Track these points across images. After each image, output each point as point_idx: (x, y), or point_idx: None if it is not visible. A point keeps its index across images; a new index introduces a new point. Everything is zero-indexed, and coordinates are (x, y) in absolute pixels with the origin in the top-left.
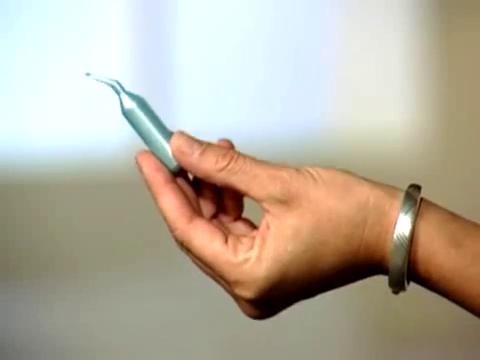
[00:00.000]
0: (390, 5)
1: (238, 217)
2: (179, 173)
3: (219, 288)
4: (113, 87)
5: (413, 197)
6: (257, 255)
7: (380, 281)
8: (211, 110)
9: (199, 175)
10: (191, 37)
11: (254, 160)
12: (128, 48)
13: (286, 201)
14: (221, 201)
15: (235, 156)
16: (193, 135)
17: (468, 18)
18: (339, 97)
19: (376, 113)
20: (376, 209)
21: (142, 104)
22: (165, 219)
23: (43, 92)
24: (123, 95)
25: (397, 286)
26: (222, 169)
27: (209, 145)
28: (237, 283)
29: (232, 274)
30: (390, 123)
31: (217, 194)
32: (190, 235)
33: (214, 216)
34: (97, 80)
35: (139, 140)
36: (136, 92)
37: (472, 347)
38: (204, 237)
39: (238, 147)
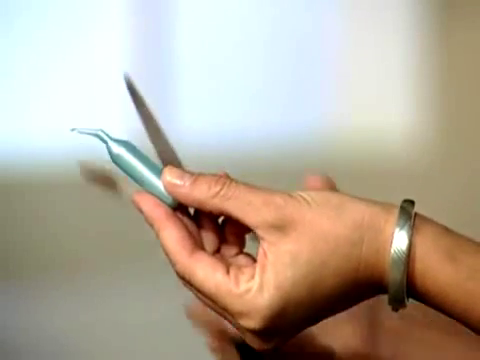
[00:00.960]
0: (390, 5)
1: (240, 252)
2: (178, 209)
3: None
4: (99, 136)
5: (408, 211)
6: (259, 284)
7: None
8: (211, 110)
9: (194, 204)
10: (191, 37)
11: (247, 186)
12: (128, 48)
13: (281, 227)
14: (223, 237)
15: (228, 182)
16: (193, 135)
17: (468, 18)
18: (339, 97)
19: (376, 113)
20: (372, 226)
21: (130, 148)
22: (166, 253)
23: (43, 92)
24: (110, 142)
25: (397, 302)
26: (215, 195)
27: (201, 174)
28: (241, 314)
29: (235, 305)
30: (390, 123)
31: (218, 230)
32: (192, 268)
33: (216, 252)
34: (82, 133)
35: (140, 140)
36: (122, 138)
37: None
38: (206, 269)
39: (238, 147)
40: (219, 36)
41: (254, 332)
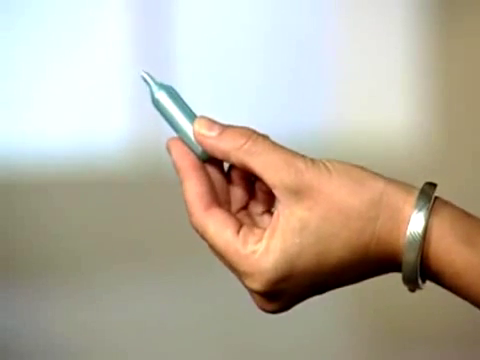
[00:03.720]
0: (390, 5)
1: (267, 210)
2: (210, 161)
3: (219, 289)
4: (143, 78)
5: (428, 194)
6: (265, 247)
7: (379, 281)
8: (211, 110)
9: (218, 155)
10: (191, 39)
11: (273, 144)
12: (128, 48)
13: (298, 191)
14: (253, 193)
15: (254, 136)
16: None
17: (468, 18)
18: (339, 97)
19: (376, 113)
20: (390, 205)
21: (170, 93)
22: (185, 203)
23: (43, 92)
24: (152, 85)
25: (411, 283)
26: (239, 148)
27: (230, 126)
28: (246, 274)
29: (241, 265)
30: (390, 123)
31: (249, 186)
32: (205, 222)
33: (244, 207)
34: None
35: (140, 141)
36: (166, 83)
37: (470, 347)
38: (217, 226)
39: None
40: (219, 37)
41: (259, 293)
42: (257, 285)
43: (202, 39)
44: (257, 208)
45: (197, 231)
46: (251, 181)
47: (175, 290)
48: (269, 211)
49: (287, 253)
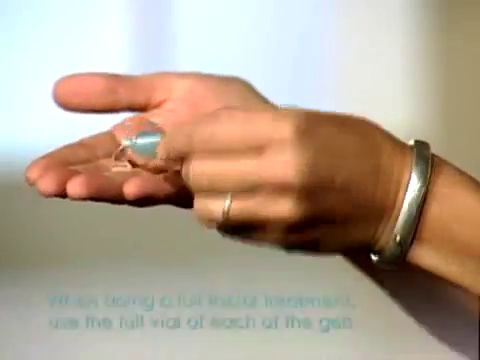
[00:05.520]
0: (390, 5)
1: None
2: None
3: (218, 290)
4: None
5: (425, 144)
6: (284, 108)
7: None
8: None
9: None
10: (190, 37)
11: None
12: (128, 48)
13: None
14: None
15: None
16: None
17: (468, 17)
18: (339, 97)
19: (376, 113)
20: (388, 143)
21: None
22: (173, 143)
23: (43, 92)
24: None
25: (406, 226)
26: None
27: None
28: (275, 122)
29: (268, 117)
30: (390, 123)
31: None
32: (206, 126)
33: None
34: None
35: None
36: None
37: None
38: (224, 114)
39: None
40: (218, 36)
41: (286, 163)
42: (289, 126)
43: (201, 39)
44: None
45: (202, 141)
46: None
47: (175, 289)
48: None
49: (307, 113)
